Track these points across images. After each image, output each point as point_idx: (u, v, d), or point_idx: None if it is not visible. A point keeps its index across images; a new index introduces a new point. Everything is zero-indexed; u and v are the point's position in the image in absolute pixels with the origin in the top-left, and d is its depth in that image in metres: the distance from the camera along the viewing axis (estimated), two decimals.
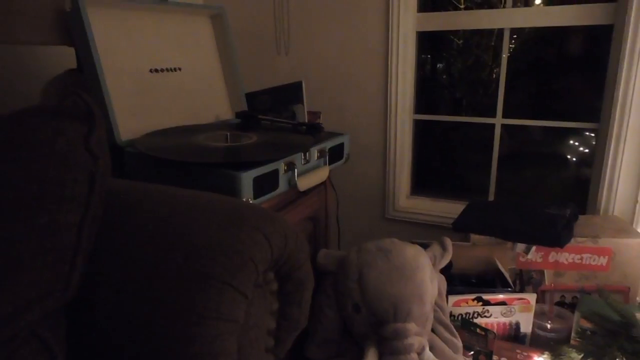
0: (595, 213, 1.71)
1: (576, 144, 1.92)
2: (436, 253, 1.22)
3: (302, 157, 1.06)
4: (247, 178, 0.88)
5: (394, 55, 1.86)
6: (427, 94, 2.07)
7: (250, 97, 1.55)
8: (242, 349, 0.70)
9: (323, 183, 1.28)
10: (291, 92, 1.52)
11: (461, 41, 2.03)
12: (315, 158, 1.12)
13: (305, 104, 1.50)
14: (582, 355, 1.15)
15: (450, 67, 2.09)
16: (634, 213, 1.66)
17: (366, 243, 1.18)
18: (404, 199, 2.08)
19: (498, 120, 1.91)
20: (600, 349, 1.10)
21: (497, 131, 1.91)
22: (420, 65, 2.01)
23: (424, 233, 2.01)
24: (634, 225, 1.64)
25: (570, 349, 1.19)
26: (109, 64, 1.12)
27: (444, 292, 1.26)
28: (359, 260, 1.14)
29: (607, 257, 1.48)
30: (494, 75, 1.93)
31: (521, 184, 2.00)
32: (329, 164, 1.18)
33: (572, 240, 1.47)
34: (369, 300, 1.08)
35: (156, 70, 1.24)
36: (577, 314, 1.41)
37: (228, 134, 1.15)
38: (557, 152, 1.95)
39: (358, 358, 1.12)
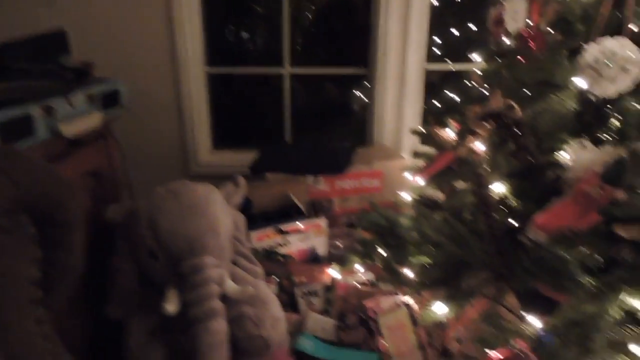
0: (371, 145, 1.98)
1: (358, 90, 2.18)
2: (229, 190, 1.26)
3: (65, 101, 0.97)
4: None
5: (177, 5, 1.79)
6: (225, 47, 2.08)
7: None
8: None
9: (102, 136, 1.20)
10: (54, 42, 1.35)
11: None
12: (83, 104, 1.03)
13: (72, 54, 1.35)
14: (360, 258, 1.36)
15: (252, 28, 2.13)
16: (398, 142, 1.97)
17: (155, 188, 1.16)
18: (207, 154, 2.08)
19: (286, 70, 2.02)
20: (371, 246, 1.31)
21: (287, 80, 2.03)
22: (217, 21, 1.98)
23: None
24: (400, 152, 1.95)
25: (353, 256, 1.39)
26: None
27: (242, 227, 1.32)
28: (148, 206, 1.11)
29: (379, 179, 1.74)
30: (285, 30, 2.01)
31: (315, 126, 2.18)
32: (103, 111, 1.11)
33: (352, 168, 1.69)
34: (164, 243, 1.07)
35: None
36: (358, 229, 1.64)
37: None
38: (344, 97, 2.18)
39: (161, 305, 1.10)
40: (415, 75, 1.93)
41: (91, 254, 0.98)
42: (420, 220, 1.16)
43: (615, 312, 0.70)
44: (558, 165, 0.95)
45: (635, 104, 0.88)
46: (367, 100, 2.04)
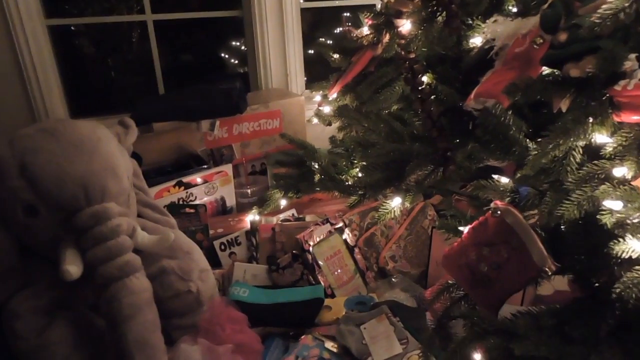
0: (259, 89, 1.85)
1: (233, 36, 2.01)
2: (119, 131, 1.03)
3: None
4: None
5: None
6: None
7: None
8: None
9: None
10: None
11: None
12: None
13: None
14: (282, 192, 1.24)
15: None
16: (287, 83, 1.87)
17: (19, 130, 0.88)
18: None
19: (149, 17, 1.77)
20: (292, 178, 1.20)
21: (151, 27, 1.77)
22: None
23: None
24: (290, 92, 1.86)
25: (273, 192, 1.27)
26: None
27: (141, 175, 1.09)
28: (15, 150, 0.83)
29: (278, 118, 1.62)
30: None
31: (188, 76, 1.96)
32: None
33: (248, 109, 1.54)
34: (47, 192, 0.82)
35: None
36: (268, 168, 1.52)
37: None
38: (219, 42, 2.00)
39: (56, 273, 0.84)
40: (294, 14, 1.84)
41: None
42: (353, 126, 1.08)
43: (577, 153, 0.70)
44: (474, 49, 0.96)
45: None
46: (244, 47, 1.90)
